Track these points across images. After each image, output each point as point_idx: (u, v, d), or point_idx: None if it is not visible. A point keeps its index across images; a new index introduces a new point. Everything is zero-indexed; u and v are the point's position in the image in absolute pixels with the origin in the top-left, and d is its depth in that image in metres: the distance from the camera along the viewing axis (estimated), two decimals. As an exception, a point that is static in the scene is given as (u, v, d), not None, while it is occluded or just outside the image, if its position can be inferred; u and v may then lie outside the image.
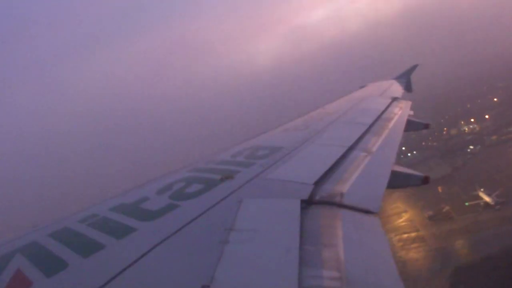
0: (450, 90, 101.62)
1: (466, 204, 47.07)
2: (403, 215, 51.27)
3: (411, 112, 5.97)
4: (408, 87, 9.01)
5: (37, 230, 2.46)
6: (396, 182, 3.10)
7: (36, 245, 2.15)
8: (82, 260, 1.80)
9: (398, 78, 9.86)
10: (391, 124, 4.79)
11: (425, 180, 3.30)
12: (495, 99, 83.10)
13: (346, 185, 2.59)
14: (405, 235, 46.40)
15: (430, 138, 77.07)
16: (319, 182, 2.56)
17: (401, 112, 5.72)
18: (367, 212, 2.18)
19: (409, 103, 6.63)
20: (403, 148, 71.98)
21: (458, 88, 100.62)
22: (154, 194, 2.79)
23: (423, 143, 75.39)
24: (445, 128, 79.19)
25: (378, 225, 2.03)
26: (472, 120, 76.49)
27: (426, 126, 5.90)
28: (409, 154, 70.88)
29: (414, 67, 11.00)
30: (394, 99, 6.70)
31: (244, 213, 2.13)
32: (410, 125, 5.35)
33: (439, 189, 53.46)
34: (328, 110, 6.04)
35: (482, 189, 47.19)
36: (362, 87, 9.19)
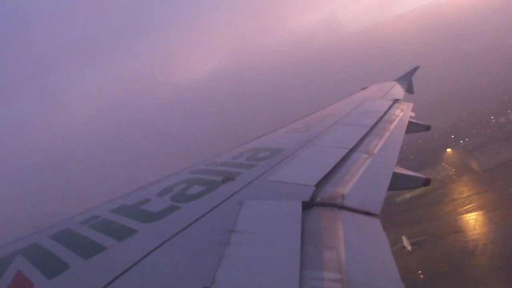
0: (481, 86, 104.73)
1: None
2: (485, 195, 50.77)
3: (413, 114, 5.98)
4: (409, 89, 9.02)
5: (38, 232, 2.47)
6: (398, 184, 3.10)
7: (37, 247, 2.15)
8: (83, 262, 1.80)
9: (400, 80, 9.86)
10: (392, 126, 4.78)
11: (426, 182, 3.29)
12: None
13: (347, 187, 2.58)
14: (499, 212, 45.59)
15: (479, 126, 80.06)
16: (320, 184, 2.56)
17: (403, 114, 5.72)
18: (368, 214, 2.18)
19: (411, 105, 6.62)
20: (452, 136, 75.44)
21: (492, 83, 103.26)
22: (155, 195, 2.79)
23: (474, 131, 77.92)
24: (492, 117, 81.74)
25: (379, 227, 2.02)
26: (519, 109, 79.22)
27: (428, 128, 5.90)
28: (461, 142, 72.90)
29: (415, 69, 11.01)
30: (396, 101, 6.71)
31: (245, 214, 2.13)
32: (412, 127, 5.35)
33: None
34: (329, 112, 6.04)
35: None
36: (363, 88, 9.19)
